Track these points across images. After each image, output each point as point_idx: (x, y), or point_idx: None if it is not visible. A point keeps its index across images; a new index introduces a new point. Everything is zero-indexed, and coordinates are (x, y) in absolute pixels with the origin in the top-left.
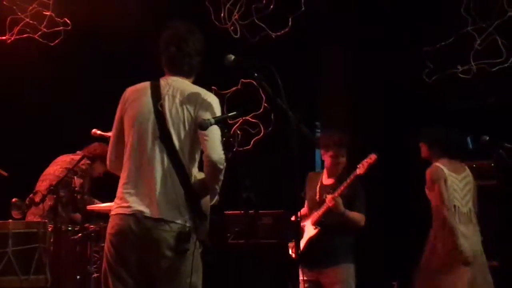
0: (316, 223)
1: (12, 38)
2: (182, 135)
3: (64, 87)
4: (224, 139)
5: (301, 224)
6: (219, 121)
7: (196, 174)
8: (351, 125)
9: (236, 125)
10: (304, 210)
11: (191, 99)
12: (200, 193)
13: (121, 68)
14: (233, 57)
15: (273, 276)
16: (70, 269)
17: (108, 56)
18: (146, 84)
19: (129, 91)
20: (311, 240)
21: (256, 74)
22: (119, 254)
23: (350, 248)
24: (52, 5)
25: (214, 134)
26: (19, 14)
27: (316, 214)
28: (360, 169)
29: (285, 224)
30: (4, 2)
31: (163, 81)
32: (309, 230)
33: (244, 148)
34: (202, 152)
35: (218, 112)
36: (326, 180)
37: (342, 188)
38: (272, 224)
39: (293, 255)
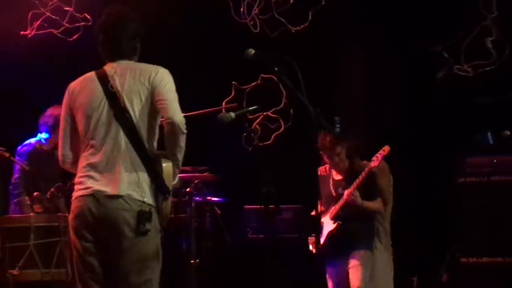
0: (334, 218)
1: (33, 33)
2: (139, 110)
3: None
4: (244, 133)
5: (321, 220)
6: (239, 115)
7: (156, 150)
8: (369, 120)
9: (257, 120)
10: (320, 207)
11: (142, 73)
12: (162, 166)
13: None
14: (253, 51)
15: (293, 271)
16: None
17: None
18: (90, 74)
19: (73, 84)
20: (331, 235)
21: (276, 69)
22: (80, 237)
23: (370, 235)
24: (73, 0)
25: (173, 97)
26: (41, 8)
27: (334, 209)
28: (374, 162)
29: (305, 219)
30: None
31: (107, 67)
32: (328, 225)
33: (264, 143)
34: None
35: (172, 81)
36: (336, 175)
37: (358, 182)
38: (292, 219)
39: (314, 250)
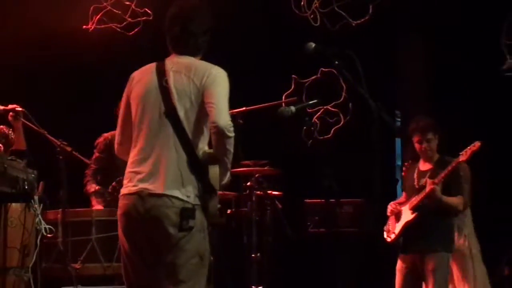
0: (414, 208)
1: (93, 27)
2: (189, 109)
3: None
4: (304, 127)
5: (398, 209)
6: (299, 109)
7: (206, 149)
8: (431, 113)
9: (317, 114)
10: (402, 198)
11: (197, 73)
12: (208, 167)
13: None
14: (313, 45)
15: (353, 266)
16: None
17: None
18: (152, 65)
19: (135, 73)
20: (407, 225)
21: (336, 62)
22: (127, 234)
23: (447, 235)
24: None
25: (221, 100)
26: (102, 3)
27: (414, 200)
28: (463, 156)
29: (366, 213)
30: None
31: (168, 60)
32: (406, 214)
33: (324, 136)
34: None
35: (224, 83)
36: (423, 165)
37: (443, 175)
38: (353, 213)
39: (388, 239)
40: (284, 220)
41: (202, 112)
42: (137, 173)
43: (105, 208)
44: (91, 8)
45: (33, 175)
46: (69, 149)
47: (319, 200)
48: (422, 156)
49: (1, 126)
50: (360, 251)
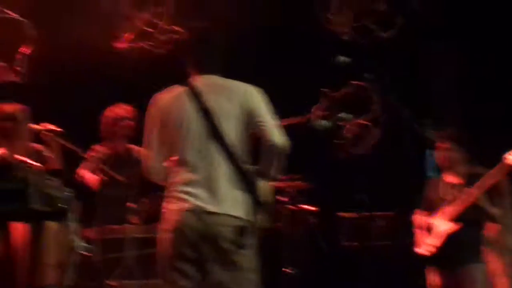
0: (453, 219)
1: (126, 46)
2: (233, 128)
3: None
4: (336, 141)
5: (428, 221)
6: (331, 123)
7: (250, 167)
8: (463, 124)
9: (349, 127)
10: (423, 212)
11: (234, 92)
12: (257, 183)
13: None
14: (343, 58)
15: (386, 279)
16: None
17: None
18: (179, 87)
19: (162, 97)
20: (448, 236)
21: (367, 75)
22: (178, 251)
23: (481, 246)
24: (165, 15)
25: (269, 117)
26: (133, 22)
27: (454, 210)
28: (509, 160)
29: (399, 226)
30: (119, 10)
31: (195, 81)
32: (444, 226)
33: (356, 150)
34: (253, 143)
35: (265, 100)
36: (449, 177)
37: (489, 181)
38: (385, 226)
39: (421, 252)
40: (317, 234)
41: (244, 129)
42: (188, 192)
43: (140, 224)
44: (124, 27)
45: (68, 194)
46: (102, 167)
47: (352, 214)
48: (442, 166)
49: (38, 146)
50: (394, 264)
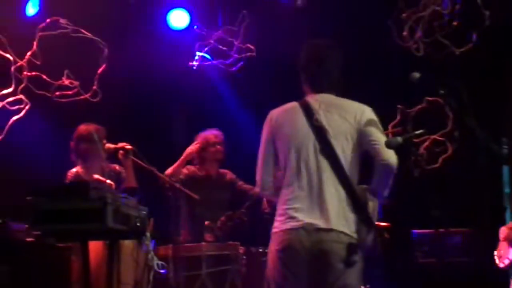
0: None
1: (197, 63)
2: (345, 146)
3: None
4: (412, 157)
5: None
6: (407, 140)
7: (360, 185)
8: None
9: (424, 144)
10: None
11: (348, 111)
12: (366, 202)
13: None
14: (418, 75)
15: None
16: None
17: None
18: (294, 104)
19: (276, 113)
20: None
21: (442, 92)
22: (289, 269)
23: None
24: (240, 32)
25: (382, 138)
26: (207, 40)
27: None
28: None
29: (476, 242)
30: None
31: (310, 99)
32: None
33: (431, 166)
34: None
35: (377, 120)
36: None
37: None
38: (462, 242)
39: (501, 265)
40: (392, 250)
41: (356, 148)
42: (298, 209)
43: (215, 242)
44: (197, 45)
45: (144, 212)
46: (177, 185)
47: (427, 230)
48: None
49: (113, 165)
50: (471, 281)
